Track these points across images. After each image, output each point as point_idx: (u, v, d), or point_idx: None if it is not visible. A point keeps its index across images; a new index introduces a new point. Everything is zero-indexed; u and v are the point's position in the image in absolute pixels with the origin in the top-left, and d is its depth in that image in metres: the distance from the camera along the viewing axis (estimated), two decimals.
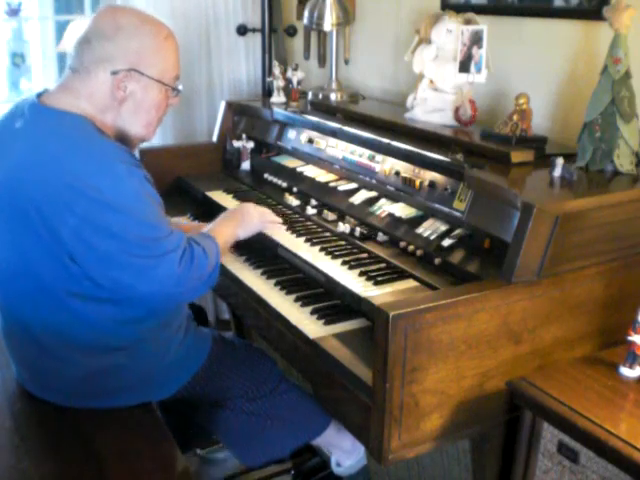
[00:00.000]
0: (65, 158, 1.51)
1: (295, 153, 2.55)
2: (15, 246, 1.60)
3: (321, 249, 1.93)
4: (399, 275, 1.75)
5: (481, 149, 1.93)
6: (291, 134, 2.60)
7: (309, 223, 2.14)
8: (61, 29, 3.38)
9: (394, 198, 2.07)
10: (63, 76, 1.66)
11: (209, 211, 2.41)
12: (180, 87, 1.74)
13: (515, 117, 1.96)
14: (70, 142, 1.54)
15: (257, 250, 2.06)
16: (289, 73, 2.81)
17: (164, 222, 1.62)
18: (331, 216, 2.12)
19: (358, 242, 1.95)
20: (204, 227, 1.91)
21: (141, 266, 1.55)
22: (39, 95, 1.65)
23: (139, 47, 1.61)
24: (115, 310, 1.64)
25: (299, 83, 2.80)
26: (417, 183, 1.98)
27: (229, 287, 2.00)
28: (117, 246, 1.52)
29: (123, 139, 1.68)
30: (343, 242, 1.98)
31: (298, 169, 2.45)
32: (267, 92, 3.01)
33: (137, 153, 2.70)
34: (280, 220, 2.07)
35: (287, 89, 2.81)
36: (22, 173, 1.54)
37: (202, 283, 1.68)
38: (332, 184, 2.29)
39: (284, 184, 2.44)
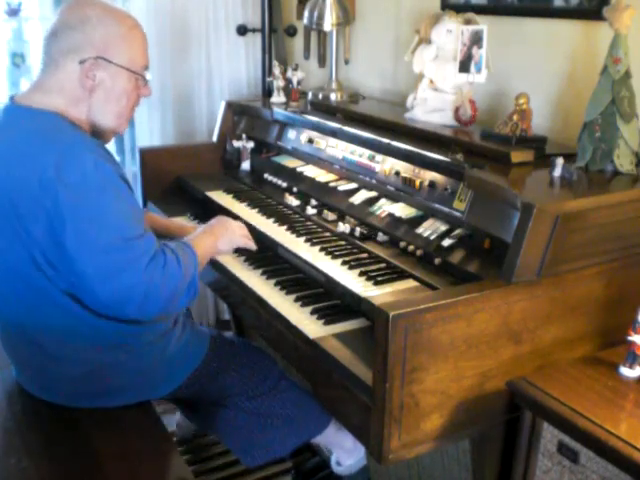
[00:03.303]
0: (36, 154, 1.51)
1: (295, 153, 2.55)
2: (1, 249, 1.60)
3: (321, 249, 1.93)
4: (399, 275, 1.75)
5: (481, 149, 1.93)
6: (291, 134, 2.60)
7: (309, 223, 2.13)
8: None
9: (394, 198, 2.06)
10: (36, 76, 1.67)
11: (209, 211, 2.41)
12: (149, 76, 1.74)
13: (515, 117, 1.96)
14: (41, 137, 1.54)
15: (257, 250, 2.06)
16: (289, 73, 2.81)
17: (133, 223, 1.56)
18: (331, 216, 2.12)
19: (358, 242, 1.95)
20: (197, 227, 1.92)
21: (104, 271, 1.50)
22: (12, 97, 1.66)
23: (105, 35, 1.61)
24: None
25: (299, 83, 2.80)
26: (417, 183, 1.98)
27: (229, 287, 2.00)
28: (80, 246, 1.49)
29: (97, 132, 1.68)
30: (343, 242, 1.98)
31: (298, 169, 2.45)
32: (267, 92, 3.01)
33: (137, 154, 2.71)
34: (253, 244, 1.99)
35: (287, 89, 2.81)
36: None
37: (180, 296, 1.63)
38: (332, 184, 2.29)
39: (284, 184, 2.44)
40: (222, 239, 1.88)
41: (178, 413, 2.46)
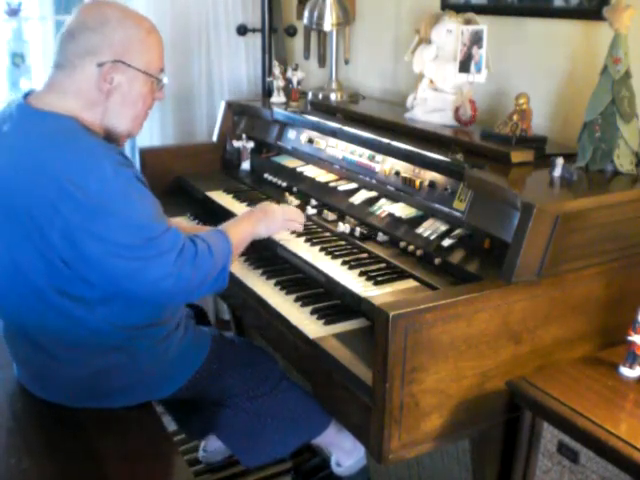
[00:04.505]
0: (53, 159, 1.49)
1: (295, 153, 2.56)
2: (7, 249, 1.59)
3: (321, 249, 1.93)
4: (399, 275, 1.75)
5: (481, 149, 1.94)
6: (291, 134, 2.60)
7: (309, 223, 2.13)
8: (61, 29, 3.37)
9: (394, 198, 2.07)
10: (49, 75, 1.63)
11: (209, 211, 2.41)
12: (165, 80, 1.72)
13: (515, 117, 1.96)
14: (57, 143, 1.52)
15: (257, 250, 2.06)
16: (289, 73, 2.81)
17: (157, 221, 1.57)
18: (331, 216, 2.12)
19: (358, 242, 1.95)
20: (204, 228, 1.91)
21: (132, 268, 1.51)
22: (26, 96, 1.63)
23: (124, 38, 1.59)
24: (108, 312, 1.62)
25: (299, 83, 2.80)
26: (417, 183, 1.98)
27: (229, 287, 1.99)
28: (105, 248, 1.49)
29: (111, 136, 1.66)
30: (343, 242, 1.98)
31: (298, 169, 2.45)
32: (267, 92, 3.01)
33: (137, 154, 2.71)
34: (303, 218, 2.00)
35: (287, 89, 2.81)
36: (11, 177, 1.53)
37: (208, 283, 1.64)
38: (332, 184, 2.29)
39: (284, 184, 2.44)
40: (259, 225, 1.86)
41: (210, 438, 2.44)
